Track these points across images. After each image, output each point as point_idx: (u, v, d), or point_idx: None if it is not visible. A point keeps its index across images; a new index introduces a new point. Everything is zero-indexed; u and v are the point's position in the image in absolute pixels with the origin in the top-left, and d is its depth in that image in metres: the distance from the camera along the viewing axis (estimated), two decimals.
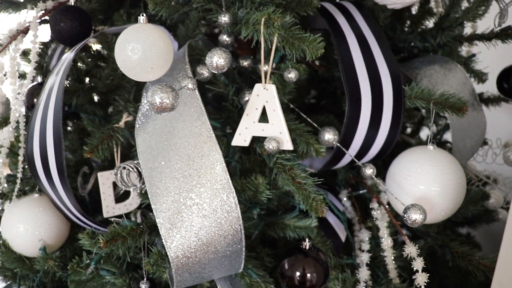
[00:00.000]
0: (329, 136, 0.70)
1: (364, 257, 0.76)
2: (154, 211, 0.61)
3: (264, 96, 0.64)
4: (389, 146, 0.78)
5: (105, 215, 0.81)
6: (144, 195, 0.74)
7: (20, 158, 0.85)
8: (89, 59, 0.92)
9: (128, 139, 0.77)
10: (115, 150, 0.79)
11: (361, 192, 0.89)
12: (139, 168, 0.72)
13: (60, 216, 0.87)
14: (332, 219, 0.85)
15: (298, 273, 0.65)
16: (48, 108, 0.76)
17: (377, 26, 0.81)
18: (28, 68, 1.01)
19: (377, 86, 0.75)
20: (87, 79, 0.90)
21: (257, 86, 0.64)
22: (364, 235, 0.78)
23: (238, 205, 0.64)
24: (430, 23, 1.02)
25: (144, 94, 0.73)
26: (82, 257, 0.89)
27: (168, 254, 0.61)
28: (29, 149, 0.80)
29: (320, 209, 0.61)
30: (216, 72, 0.60)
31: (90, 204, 0.92)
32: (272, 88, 0.64)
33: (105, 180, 0.79)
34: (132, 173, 0.74)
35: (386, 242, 0.76)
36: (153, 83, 0.69)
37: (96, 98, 0.96)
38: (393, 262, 0.76)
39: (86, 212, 0.81)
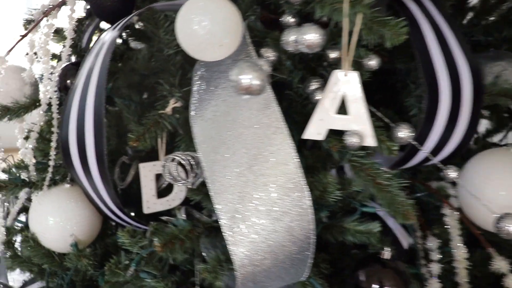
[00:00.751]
0: (404, 133, 0.63)
1: (435, 268, 0.69)
2: (217, 211, 0.54)
3: (344, 84, 0.56)
4: (464, 146, 0.70)
5: (145, 211, 0.73)
6: (194, 191, 0.67)
7: (53, 144, 0.78)
8: (130, 38, 0.84)
9: (176, 127, 0.69)
10: (159, 139, 0.71)
11: (419, 195, 0.82)
12: (192, 161, 0.64)
13: (93, 210, 0.80)
14: (392, 223, 0.77)
15: (376, 286, 0.57)
16: (87, 91, 0.69)
17: (449, 13, 0.74)
18: (55, 48, 0.93)
19: (456, 80, 0.67)
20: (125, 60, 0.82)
21: (337, 72, 0.56)
22: (432, 243, 0.71)
23: (312, 207, 0.56)
24: (494, 16, 0.94)
25: (197, 77, 0.65)
26: (115, 254, 0.82)
27: (233, 261, 0.53)
28: (63, 134, 0.72)
29: (409, 214, 0.54)
30: (308, 51, 0.52)
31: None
32: (354, 76, 0.56)
33: (147, 172, 0.72)
34: (183, 166, 0.66)
35: (460, 252, 0.68)
36: (216, 64, 0.61)
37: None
38: (467, 275, 0.68)
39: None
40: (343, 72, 0.56)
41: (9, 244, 0.87)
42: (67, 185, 0.79)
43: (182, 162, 0.63)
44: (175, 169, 0.66)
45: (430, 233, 0.73)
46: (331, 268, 0.72)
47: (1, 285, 0.97)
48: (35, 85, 0.91)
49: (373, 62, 0.58)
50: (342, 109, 0.58)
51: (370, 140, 0.57)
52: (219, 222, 0.53)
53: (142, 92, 0.86)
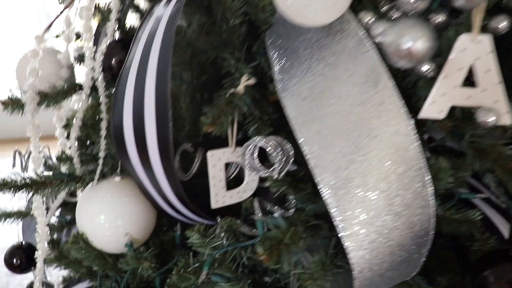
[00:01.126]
0: None
1: None
2: (331, 209, 0.44)
3: (473, 52, 0.46)
4: None
5: (214, 205, 0.64)
6: (278, 181, 0.57)
7: (102, 132, 0.68)
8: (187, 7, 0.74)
9: (249, 107, 0.60)
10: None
11: None
12: (277, 147, 0.55)
13: (148, 204, 0.71)
14: (490, 212, 0.68)
15: None
16: (146, 70, 0.59)
17: None
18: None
19: None
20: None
21: (464, 38, 0.46)
22: None
23: (434, 198, 0.47)
24: None
25: (275, 49, 0.55)
26: (171, 253, 0.74)
27: (352, 267, 0.44)
28: (116, 120, 0.63)
29: None
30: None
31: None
32: (486, 41, 0.46)
33: (216, 161, 0.62)
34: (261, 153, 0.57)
35: None
36: (301, 33, 0.51)
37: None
38: None
39: None
40: (470, 37, 0.46)
41: (53, 244, 0.78)
42: (118, 178, 0.70)
43: (267, 148, 0.54)
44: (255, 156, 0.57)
45: None
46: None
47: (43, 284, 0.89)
48: (71, 68, 0.81)
49: (503, 25, 0.48)
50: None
51: (506, 118, 0.47)
52: (336, 224, 0.44)
53: (194, 70, 0.76)
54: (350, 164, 0.46)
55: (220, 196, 0.64)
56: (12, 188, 0.64)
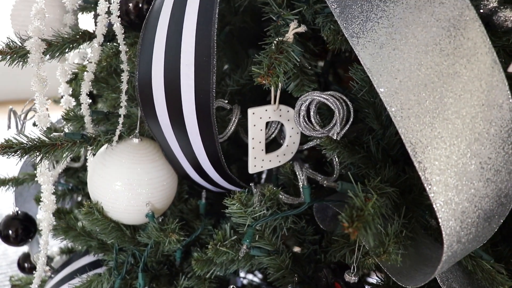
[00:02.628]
0: None
1: None
2: (423, 172, 0.38)
3: None
4: None
5: (252, 170, 0.57)
6: (335, 144, 0.51)
7: (123, 86, 0.60)
8: None
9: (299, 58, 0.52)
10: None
11: None
12: (339, 102, 0.48)
13: (170, 170, 0.64)
14: None
15: None
16: (184, 12, 0.51)
17: None
18: None
19: None
20: None
21: None
22: None
23: None
24: None
25: None
26: (192, 223, 0.67)
27: (444, 240, 0.38)
28: (142, 70, 0.55)
29: None
30: None
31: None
32: None
33: (257, 120, 0.55)
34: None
35: None
36: None
37: None
38: None
39: None
40: None
41: (60, 213, 0.70)
42: (136, 140, 0.62)
43: (328, 103, 0.47)
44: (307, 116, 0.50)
45: None
46: None
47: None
48: (75, 14, 0.71)
49: None
50: None
51: None
52: (429, 191, 0.38)
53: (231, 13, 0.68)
54: (440, 123, 0.39)
55: (258, 160, 0.57)
56: (19, 151, 0.55)
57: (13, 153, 0.55)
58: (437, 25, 0.41)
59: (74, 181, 0.83)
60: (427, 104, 0.39)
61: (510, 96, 0.40)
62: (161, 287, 0.65)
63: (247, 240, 0.53)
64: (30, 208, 0.91)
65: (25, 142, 0.56)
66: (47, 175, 0.64)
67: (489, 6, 0.47)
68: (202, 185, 0.64)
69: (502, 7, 0.47)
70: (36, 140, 0.57)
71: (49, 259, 0.88)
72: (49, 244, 0.71)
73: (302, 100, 0.49)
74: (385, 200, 0.43)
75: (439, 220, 0.38)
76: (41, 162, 0.58)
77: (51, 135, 0.58)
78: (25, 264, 0.89)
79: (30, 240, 0.86)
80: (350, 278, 0.47)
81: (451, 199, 0.38)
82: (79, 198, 0.84)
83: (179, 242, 0.59)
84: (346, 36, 0.43)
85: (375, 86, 0.40)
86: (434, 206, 0.37)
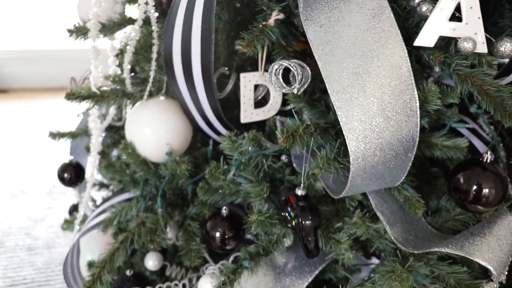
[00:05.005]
0: (509, 46, 0.64)
1: None
2: (338, 110, 0.57)
3: None
4: None
5: (243, 120, 0.77)
6: (296, 98, 0.70)
7: (153, 55, 0.81)
8: None
9: (277, 38, 0.72)
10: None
11: None
12: (298, 67, 0.67)
13: (186, 121, 0.84)
14: (477, 142, 0.80)
15: (474, 188, 0.61)
16: (194, 5, 0.71)
17: None
18: None
19: None
20: None
21: None
22: None
23: (419, 111, 0.59)
24: None
25: None
26: (203, 166, 0.87)
27: (350, 155, 0.57)
28: (166, 45, 0.76)
29: None
30: None
31: None
32: None
33: (247, 82, 0.75)
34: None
35: None
36: None
37: None
38: None
39: None
40: None
41: (103, 153, 0.93)
42: (162, 98, 0.84)
43: (290, 67, 0.66)
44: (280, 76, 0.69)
45: None
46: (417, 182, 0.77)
47: None
48: (124, 4, 0.94)
49: None
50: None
51: (482, 47, 0.58)
52: (340, 120, 0.56)
53: (231, 11, 0.88)
54: (354, 76, 0.58)
55: (248, 112, 0.77)
56: (78, 98, 0.78)
57: (74, 99, 0.78)
58: (361, 12, 0.60)
59: (116, 136, 1.06)
60: (346, 65, 0.58)
61: (408, 60, 0.58)
62: (175, 213, 0.86)
63: (233, 168, 0.73)
64: (82, 159, 1.15)
65: (82, 92, 0.79)
66: (96, 122, 0.87)
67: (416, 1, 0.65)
68: (209, 134, 0.85)
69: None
70: (91, 92, 0.80)
71: (93, 200, 1.11)
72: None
73: (274, 65, 0.69)
74: (320, 132, 0.62)
75: (346, 140, 0.56)
76: (93, 108, 0.81)
77: (101, 89, 0.81)
78: (65, 175, 1.10)
79: (80, 183, 1.10)
80: (300, 192, 0.66)
81: (355, 127, 0.57)
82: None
83: (186, 176, 0.79)
84: (302, 20, 0.63)
85: (314, 54, 0.59)
86: (343, 131, 0.56)
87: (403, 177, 0.65)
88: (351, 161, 0.57)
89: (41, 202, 1.96)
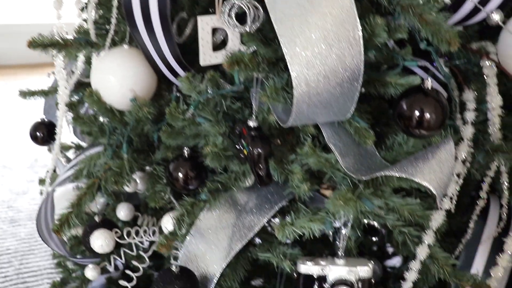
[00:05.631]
0: None
1: (470, 116, 0.74)
2: (280, 39, 0.59)
3: None
4: None
5: (202, 63, 0.79)
6: (250, 37, 0.72)
7: (114, 2, 0.83)
8: None
9: None
10: None
11: (458, 62, 0.86)
12: (250, 5, 0.69)
13: (150, 69, 0.86)
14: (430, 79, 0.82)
15: (417, 113, 0.63)
16: None
17: None
18: None
19: None
20: None
21: None
22: (468, 95, 0.76)
23: (362, 41, 0.61)
24: None
25: None
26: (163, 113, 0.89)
27: (292, 79, 0.59)
28: None
29: (454, 41, 0.59)
30: None
31: None
32: None
33: (204, 25, 0.77)
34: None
35: (495, 99, 0.73)
36: None
37: None
38: (499, 122, 0.74)
39: None
40: None
41: (71, 106, 0.95)
42: (126, 46, 0.86)
43: (242, 5, 0.68)
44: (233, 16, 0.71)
45: (467, 87, 0.78)
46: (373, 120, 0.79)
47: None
48: None
49: None
50: None
51: None
52: (282, 47, 0.59)
53: None
54: (296, 5, 0.60)
55: (207, 55, 0.79)
56: (41, 46, 0.80)
57: (36, 47, 0.80)
58: None
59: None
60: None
61: None
62: (141, 158, 0.88)
63: (192, 107, 0.76)
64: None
65: (45, 41, 0.80)
66: (62, 72, 0.89)
67: None
68: (173, 80, 0.87)
69: None
70: (54, 40, 0.81)
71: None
72: None
73: (226, 4, 0.70)
74: (268, 64, 0.64)
75: (288, 65, 0.58)
76: (57, 58, 0.83)
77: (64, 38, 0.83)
78: (37, 134, 1.12)
79: (52, 141, 1.12)
80: (252, 123, 0.68)
81: (298, 53, 0.59)
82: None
83: (150, 115, 0.82)
84: None
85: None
86: (285, 56, 0.58)
87: (352, 108, 0.67)
88: (294, 86, 0.60)
89: (23, 176, 1.98)
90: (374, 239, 1.04)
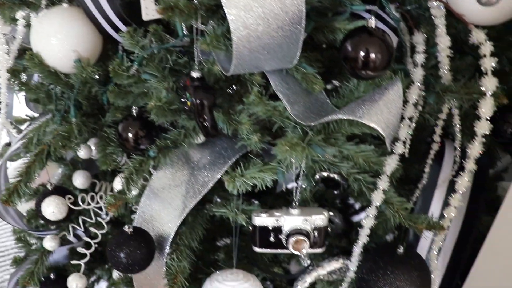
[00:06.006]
0: None
1: (419, 58, 0.73)
2: None
3: None
4: None
5: (145, 17, 0.76)
6: None
7: None
8: None
9: None
10: None
11: (410, 7, 0.84)
12: None
13: (93, 28, 0.82)
14: (382, 26, 0.80)
15: (362, 54, 0.62)
16: None
17: None
18: None
19: None
20: None
21: None
22: (418, 37, 0.75)
23: None
24: None
25: None
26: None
27: (229, 22, 0.57)
28: None
29: None
30: None
31: None
32: None
33: None
34: None
35: (444, 40, 0.72)
36: None
37: None
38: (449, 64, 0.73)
39: None
40: None
41: (14, 72, 0.90)
42: (65, 5, 0.82)
43: None
44: None
45: (417, 30, 0.77)
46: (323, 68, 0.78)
47: None
48: None
49: None
50: None
51: None
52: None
53: None
54: None
55: (150, 9, 0.76)
56: None
57: None
58: None
59: None
60: None
61: None
62: (91, 121, 0.85)
63: (136, 63, 0.73)
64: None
65: None
66: (1, 37, 0.85)
67: None
68: (117, 38, 0.83)
69: None
70: None
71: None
72: None
73: None
74: (207, 10, 0.61)
75: (224, 8, 0.56)
76: None
77: None
78: None
79: None
80: (195, 74, 0.66)
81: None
82: None
83: (95, 74, 0.78)
84: None
85: None
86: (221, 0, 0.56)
87: (297, 53, 0.66)
88: (231, 30, 0.57)
89: None
90: (335, 192, 1.04)
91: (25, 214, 1.03)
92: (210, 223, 0.83)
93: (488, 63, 0.64)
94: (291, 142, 0.61)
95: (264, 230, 0.72)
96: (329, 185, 1.02)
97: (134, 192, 0.78)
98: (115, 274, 0.95)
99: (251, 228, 0.74)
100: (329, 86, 0.83)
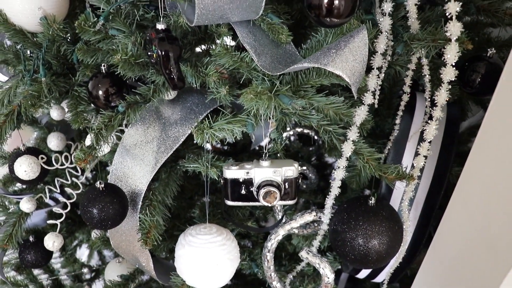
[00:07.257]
0: None
1: (387, 6, 0.72)
2: None
3: None
4: None
5: None
6: None
7: None
8: None
9: None
10: None
11: None
12: None
13: None
14: None
15: (326, 0, 0.61)
16: None
17: None
18: None
19: None
20: None
21: None
22: None
23: None
24: None
25: None
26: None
27: None
28: None
29: None
30: None
31: None
32: None
33: None
34: None
35: None
36: None
37: None
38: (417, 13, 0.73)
39: None
40: None
41: None
42: None
43: None
44: None
45: None
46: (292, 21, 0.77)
47: None
48: None
49: None
50: None
51: None
52: None
53: None
54: None
55: None
56: None
57: None
58: None
59: None
60: None
61: None
62: (61, 81, 0.84)
63: (101, 18, 0.72)
64: None
65: None
66: None
67: None
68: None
69: None
70: None
71: None
72: None
73: None
74: None
75: None
76: None
77: None
78: None
79: None
80: (160, 26, 0.65)
81: None
82: None
83: (61, 32, 0.77)
84: None
85: None
86: None
87: (262, 3, 0.65)
88: None
89: None
90: (310, 148, 1.05)
91: (0, 178, 1.03)
92: (186, 181, 0.84)
93: (453, 7, 0.63)
94: (256, 90, 0.61)
95: (235, 182, 0.73)
96: (304, 143, 1.03)
97: (106, 149, 0.78)
98: (93, 234, 0.96)
99: (222, 181, 0.74)
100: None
